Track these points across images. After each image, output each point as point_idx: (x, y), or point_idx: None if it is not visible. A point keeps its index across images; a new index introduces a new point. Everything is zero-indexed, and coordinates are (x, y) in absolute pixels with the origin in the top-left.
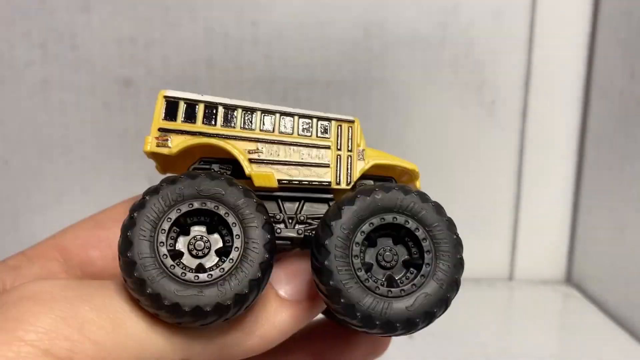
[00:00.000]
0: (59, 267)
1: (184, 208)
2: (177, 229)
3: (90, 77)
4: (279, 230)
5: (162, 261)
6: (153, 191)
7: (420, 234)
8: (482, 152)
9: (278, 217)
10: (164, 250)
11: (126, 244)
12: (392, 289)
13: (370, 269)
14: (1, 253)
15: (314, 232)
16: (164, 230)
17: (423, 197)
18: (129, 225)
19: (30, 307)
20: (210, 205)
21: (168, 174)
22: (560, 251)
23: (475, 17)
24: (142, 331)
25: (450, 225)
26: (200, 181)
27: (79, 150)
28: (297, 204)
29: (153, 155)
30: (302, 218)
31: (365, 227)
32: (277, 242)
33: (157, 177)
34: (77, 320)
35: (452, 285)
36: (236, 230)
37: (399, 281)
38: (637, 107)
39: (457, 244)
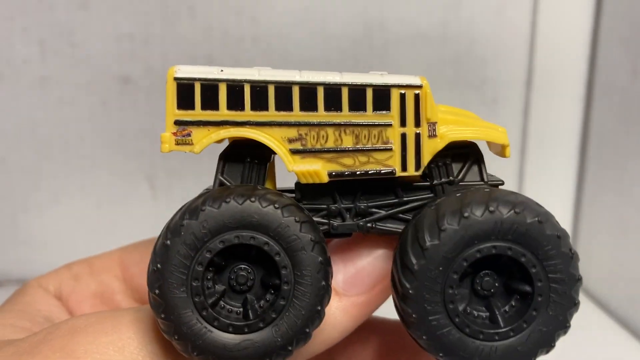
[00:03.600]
0: (117, 286)
1: (215, 247)
2: (213, 268)
3: (88, 74)
4: (335, 225)
5: (203, 316)
6: (173, 233)
7: (535, 272)
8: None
9: (333, 208)
10: (202, 301)
11: (158, 304)
12: (499, 330)
13: (466, 301)
14: (0, 251)
15: (390, 226)
16: (197, 279)
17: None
18: (155, 280)
19: None
20: (245, 237)
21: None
22: None
23: (477, 14)
24: None
25: (574, 264)
26: (226, 209)
27: (77, 148)
28: (355, 190)
29: None
30: (361, 207)
31: (470, 254)
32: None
33: (157, 176)
34: None
35: (563, 325)
36: (282, 261)
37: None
38: (639, 104)
39: (574, 283)
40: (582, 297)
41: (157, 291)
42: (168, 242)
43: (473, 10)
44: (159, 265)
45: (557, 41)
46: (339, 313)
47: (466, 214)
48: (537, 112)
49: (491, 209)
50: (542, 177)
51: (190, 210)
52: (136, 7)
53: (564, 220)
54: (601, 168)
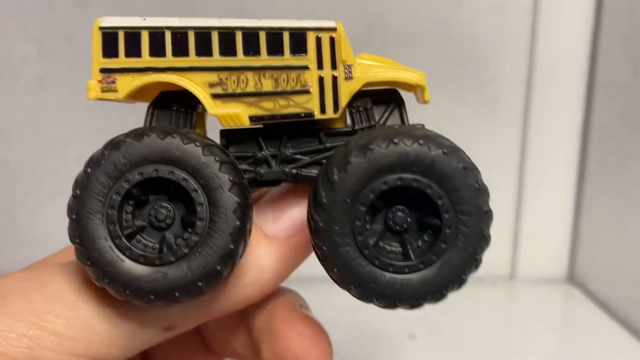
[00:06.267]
0: None
1: (133, 178)
2: (133, 201)
3: (87, 73)
4: (261, 173)
5: (116, 244)
6: (95, 162)
7: (441, 204)
8: (484, 149)
9: (259, 156)
10: (117, 230)
11: (74, 228)
12: (409, 263)
13: (378, 235)
14: (0, 251)
15: (314, 173)
16: (113, 207)
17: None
18: (73, 206)
19: None
20: (163, 171)
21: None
22: (563, 250)
23: (478, 13)
24: (108, 318)
25: (482, 197)
26: (148, 143)
27: (76, 148)
28: (280, 137)
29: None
30: (287, 154)
31: (377, 186)
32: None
33: None
34: (32, 312)
35: (472, 258)
36: (198, 198)
37: (413, 250)
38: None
39: (485, 216)
40: (582, 297)
41: (74, 216)
42: (89, 170)
43: (473, 9)
44: (77, 192)
45: (557, 41)
46: (268, 254)
47: (371, 147)
48: (537, 112)
49: (395, 140)
50: (543, 176)
51: (113, 142)
52: (136, 7)
53: (564, 219)
54: (602, 167)
